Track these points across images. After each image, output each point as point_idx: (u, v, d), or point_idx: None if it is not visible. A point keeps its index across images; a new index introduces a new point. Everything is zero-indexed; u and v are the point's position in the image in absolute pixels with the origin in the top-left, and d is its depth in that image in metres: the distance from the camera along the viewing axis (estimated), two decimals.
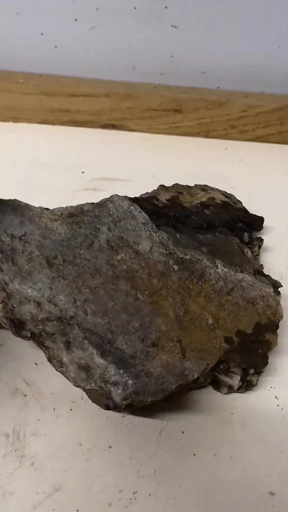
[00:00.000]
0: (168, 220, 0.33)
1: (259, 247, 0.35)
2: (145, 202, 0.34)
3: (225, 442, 0.26)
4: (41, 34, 0.44)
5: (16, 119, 0.47)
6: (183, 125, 0.45)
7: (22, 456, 0.26)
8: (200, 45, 0.43)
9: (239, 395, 0.28)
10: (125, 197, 0.31)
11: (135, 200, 0.33)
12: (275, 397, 0.28)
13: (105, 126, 0.46)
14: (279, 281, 0.31)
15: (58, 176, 0.42)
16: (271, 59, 0.42)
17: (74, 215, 0.29)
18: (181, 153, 0.44)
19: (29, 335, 0.26)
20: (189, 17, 0.41)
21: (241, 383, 0.27)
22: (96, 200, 0.34)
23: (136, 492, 0.25)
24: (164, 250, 0.28)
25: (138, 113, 0.45)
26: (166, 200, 0.34)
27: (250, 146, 0.44)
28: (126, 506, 0.24)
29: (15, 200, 0.29)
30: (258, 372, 0.28)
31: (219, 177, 0.41)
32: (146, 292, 0.27)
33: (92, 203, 0.30)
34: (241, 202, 0.37)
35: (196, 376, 0.25)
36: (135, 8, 0.42)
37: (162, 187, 0.36)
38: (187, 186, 0.37)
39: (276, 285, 0.31)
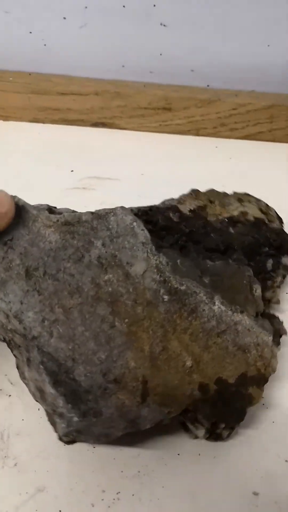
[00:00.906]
0: (179, 239, 0.29)
1: (284, 277, 0.30)
2: (159, 214, 0.29)
3: (209, 442, 0.26)
4: (30, 32, 0.44)
5: (5, 118, 0.47)
6: (173, 123, 0.45)
7: (5, 457, 0.26)
8: (189, 43, 0.43)
9: None
10: (131, 210, 0.28)
11: (149, 210, 0.30)
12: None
13: (95, 125, 0.46)
14: None
15: (48, 175, 0.42)
16: (261, 57, 0.42)
17: (70, 224, 0.26)
18: (171, 152, 0.44)
19: (2, 339, 0.26)
20: (177, 15, 0.41)
21: (207, 435, 0.25)
22: (85, 199, 0.34)
23: (119, 492, 0.25)
24: (158, 276, 0.25)
25: (128, 111, 0.44)
26: (190, 210, 0.30)
27: (240, 144, 0.44)
28: (109, 507, 0.24)
29: (15, 197, 0.26)
30: (231, 427, 0.26)
31: (209, 175, 0.41)
32: (126, 320, 0.24)
33: (92, 213, 0.27)
34: (280, 220, 0.32)
35: (148, 426, 0.23)
36: (124, 6, 0.41)
37: (192, 192, 0.31)
38: (223, 194, 0.32)
39: (279, 332, 0.27)
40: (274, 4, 0.39)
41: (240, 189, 0.39)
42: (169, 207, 0.30)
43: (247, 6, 0.40)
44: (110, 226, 0.26)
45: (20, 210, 0.25)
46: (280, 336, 0.28)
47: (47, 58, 0.45)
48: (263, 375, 0.25)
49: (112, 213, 0.26)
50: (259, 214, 0.31)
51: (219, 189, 0.38)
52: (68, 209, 0.28)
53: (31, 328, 0.23)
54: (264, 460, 0.25)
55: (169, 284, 0.25)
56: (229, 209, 0.31)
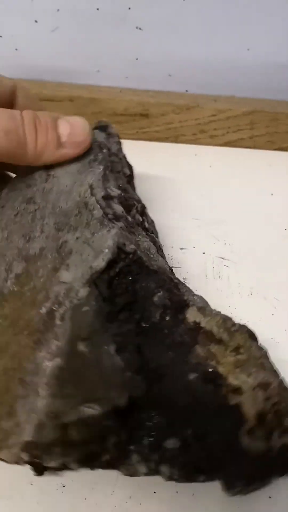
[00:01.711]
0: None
1: None
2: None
3: None
4: (0, 36, 0.42)
5: None
6: (151, 130, 0.43)
7: None
8: (166, 47, 0.41)
9: None
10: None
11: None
12: None
13: None
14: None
15: None
16: (240, 61, 0.41)
17: None
18: (149, 159, 0.42)
19: None
20: (153, 18, 0.39)
21: None
22: None
23: None
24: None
25: (104, 118, 0.42)
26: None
27: (220, 151, 0.42)
28: None
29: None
30: None
31: (189, 183, 0.39)
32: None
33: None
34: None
35: None
36: (98, 9, 0.40)
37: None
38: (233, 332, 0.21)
39: None
40: (253, 6, 0.38)
41: (221, 197, 0.38)
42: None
43: (225, 8, 0.39)
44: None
45: None
46: None
47: (18, 63, 0.43)
48: None
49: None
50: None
51: (199, 198, 0.36)
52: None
53: None
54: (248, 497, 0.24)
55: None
56: (235, 376, 0.20)
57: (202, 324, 0.21)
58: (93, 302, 0.20)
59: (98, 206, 0.23)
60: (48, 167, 0.27)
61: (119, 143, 0.33)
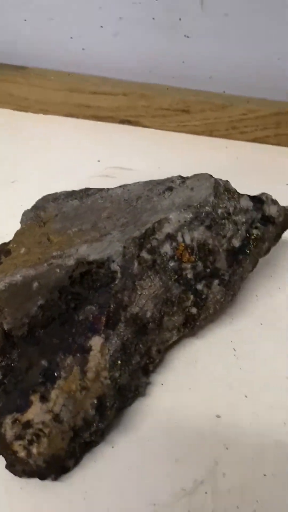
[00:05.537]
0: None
1: None
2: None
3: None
4: (71, 37, 0.51)
5: (45, 112, 0.54)
6: (190, 124, 0.50)
7: None
8: (209, 53, 0.48)
9: None
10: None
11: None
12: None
13: (122, 122, 0.52)
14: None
15: (77, 163, 0.48)
16: (272, 68, 0.47)
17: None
18: (186, 149, 0.50)
19: None
20: (199, 28, 0.47)
21: None
22: (107, 184, 0.40)
23: None
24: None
25: (152, 111, 0.50)
26: None
27: (248, 146, 0.49)
28: None
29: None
30: None
31: (216, 170, 0.47)
32: None
33: None
34: None
35: None
36: (153, 18, 0.47)
37: None
38: None
39: None
40: (283, 22, 0.44)
41: (244, 187, 0.45)
42: None
43: (262, 21, 0.45)
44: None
45: None
46: None
47: (84, 61, 0.52)
48: None
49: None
50: None
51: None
52: None
53: None
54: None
55: None
56: None
57: None
58: None
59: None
60: None
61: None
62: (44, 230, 0.35)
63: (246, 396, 0.31)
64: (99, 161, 0.48)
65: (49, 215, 0.36)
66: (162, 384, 0.31)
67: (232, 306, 0.36)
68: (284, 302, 0.36)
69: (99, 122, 0.52)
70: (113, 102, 0.51)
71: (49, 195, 0.38)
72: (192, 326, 0.32)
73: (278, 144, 0.49)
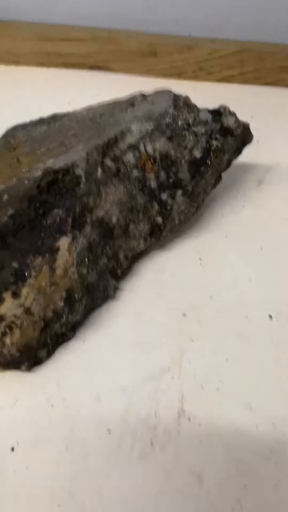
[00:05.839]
0: None
1: None
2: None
3: None
4: None
5: (17, 63, 0.54)
6: (158, 67, 0.52)
7: None
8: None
9: None
10: None
11: None
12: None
13: (91, 68, 0.53)
14: None
15: (49, 110, 0.49)
16: (235, 7, 0.49)
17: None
18: None
19: None
20: None
21: None
22: None
23: None
24: None
25: (120, 55, 0.52)
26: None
27: (215, 86, 0.51)
28: None
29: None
30: None
31: None
32: None
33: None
34: None
35: None
36: None
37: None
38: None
39: None
40: None
41: None
42: None
43: None
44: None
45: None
46: None
47: (52, 9, 0.53)
48: None
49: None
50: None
51: None
52: None
53: None
54: None
55: None
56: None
57: None
58: None
59: None
60: None
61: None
62: (14, 154, 0.36)
63: (211, 297, 0.33)
64: (69, 103, 0.49)
65: (18, 141, 0.37)
66: (131, 290, 0.33)
67: (199, 222, 0.37)
68: (248, 217, 0.38)
69: (70, 70, 0.53)
70: (82, 47, 0.52)
71: (18, 124, 0.39)
72: (158, 236, 0.34)
73: (244, 82, 0.51)
